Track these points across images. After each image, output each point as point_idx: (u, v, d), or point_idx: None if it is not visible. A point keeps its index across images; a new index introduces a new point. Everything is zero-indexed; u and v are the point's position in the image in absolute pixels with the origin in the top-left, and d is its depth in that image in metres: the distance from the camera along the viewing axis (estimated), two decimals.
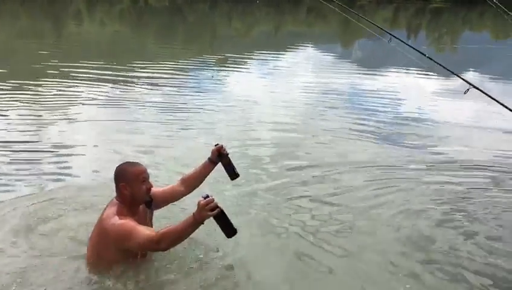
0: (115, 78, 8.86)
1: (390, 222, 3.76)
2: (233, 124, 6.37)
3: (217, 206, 2.44)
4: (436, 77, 11.34)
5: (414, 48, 4.21)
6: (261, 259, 3.18)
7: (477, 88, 3.68)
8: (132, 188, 2.75)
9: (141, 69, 10.13)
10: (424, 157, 5.42)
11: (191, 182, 3.12)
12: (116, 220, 2.65)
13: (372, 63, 14.66)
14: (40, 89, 7.85)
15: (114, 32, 18.91)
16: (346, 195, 4.23)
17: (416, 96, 9.50)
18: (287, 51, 15.88)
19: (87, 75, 8.97)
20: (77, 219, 3.50)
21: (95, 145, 5.21)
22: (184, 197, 3.14)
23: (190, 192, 3.13)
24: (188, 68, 10.89)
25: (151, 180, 2.84)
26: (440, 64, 3.92)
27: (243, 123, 6.43)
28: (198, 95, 8.07)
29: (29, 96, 7.32)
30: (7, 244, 3.14)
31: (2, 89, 7.59)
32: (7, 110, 6.45)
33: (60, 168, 4.53)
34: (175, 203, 3.20)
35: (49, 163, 4.64)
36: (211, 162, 3.09)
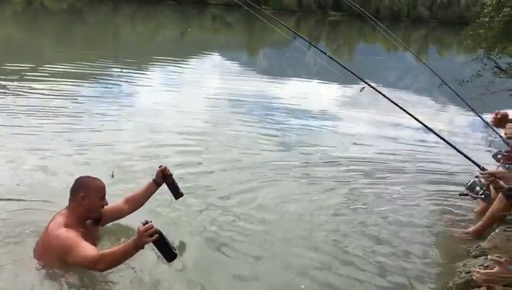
0: (6, 83, 8.13)
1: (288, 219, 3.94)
2: (137, 131, 6.10)
3: (156, 232, 2.49)
4: (336, 84, 12.01)
5: (316, 47, 4.50)
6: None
7: (372, 86, 4.01)
8: (90, 200, 2.84)
9: (35, 75, 9.39)
10: (314, 157, 5.78)
11: (135, 202, 3.24)
12: (62, 232, 2.68)
13: (276, 72, 15.15)
14: None
15: (5, 35, 17.55)
16: (253, 196, 4.35)
17: (316, 102, 9.96)
18: (193, 58, 15.84)
19: None
20: None
21: None
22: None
23: (133, 211, 3.23)
24: (87, 74, 10.32)
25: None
26: (339, 63, 4.19)
27: (147, 131, 6.16)
28: (100, 102, 7.63)
29: None
30: None
31: None
32: None
33: None
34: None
35: None
36: (155, 183, 3.25)
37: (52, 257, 2.69)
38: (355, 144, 6.65)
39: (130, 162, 4.85)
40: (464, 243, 3.66)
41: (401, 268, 3.27)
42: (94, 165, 4.61)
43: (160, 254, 2.60)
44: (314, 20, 50.68)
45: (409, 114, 4.10)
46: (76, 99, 7.64)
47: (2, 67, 9.79)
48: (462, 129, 8.05)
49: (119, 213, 3.20)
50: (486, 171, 3.37)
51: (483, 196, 3.57)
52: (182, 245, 3.32)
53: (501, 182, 3.25)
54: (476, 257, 3.32)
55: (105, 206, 3.00)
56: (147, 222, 2.50)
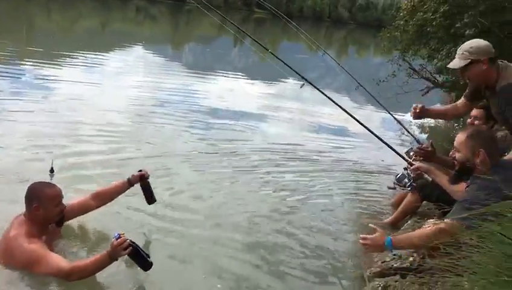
0: None
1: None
2: (53, 126, 5.74)
3: (130, 244, 2.55)
4: (261, 80, 12.20)
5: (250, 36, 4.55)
6: None
7: (310, 83, 4.13)
8: (46, 210, 2.75)
9: None
10: (236, 149, 5.93)
11: (104, 198, 3.24)
12: (26, 244, 2.62)
13: (202, 66, 15.05)
14: None
15: None
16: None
17: (241, 96, 10.06)
18: (115, 50, 15.31)
19: None
20: None
21: None
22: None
23: (100, 207, 3.22)
24: None
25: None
26: (283, 62, 4.26)
27: (64, 126, 5.85)
28: (12, 96, 7.10)
29: None
30: None
31: None
32: None
33: None
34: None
35: None
36: (129, 183, 3.26)
37: (15, 266, 2.64)
38: (278, 136, 6.88)
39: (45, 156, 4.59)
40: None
41: (320, 261, 3.38)
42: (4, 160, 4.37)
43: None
44: (241, 16, 50.93)
45: (347, 112, 4.22)
46: None
47: None
48: (378, 126, 8.50)
49: (84, 209, 3.17)
50: (414, 166, 3.53)
51: (409, 188, 3.78)
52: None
53: (425, 175, 3.46)
54: None
55: (68, 203, 2.97)
56: (119, 236, 2.54)
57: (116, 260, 2.59)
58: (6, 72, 8.77)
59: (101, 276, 2.71)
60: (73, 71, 10.35)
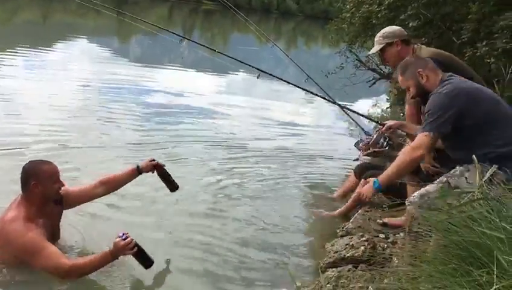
0: None
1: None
2: None
3: (136, 244, 2.58)
4: (210, 73, 12.10)
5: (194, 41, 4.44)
6: None
7: (266, 72, 4.12)
8: (44, 187, 2.67)
9: None
10: (185, 139, 5.93)
11: (112, 185, 3.13)
12: (24, 230, 2.53)
13: (150, 60, 14.71)
14: None
15: None
16: None
17: (190, 89, 9.89)
18: (58, 43, 14.66)
19: None
20: None
21: None
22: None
23: (107, 194, 3.15)
24: None
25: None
26: (234, 58, 4.21)
27: (4, 121, 5.61)
28: None
29: None
30: None
31: None
32: None
33: None
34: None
35: None
36: (138, 172, 3.14)
37: (7, 250, 2.57)
38: (228, 128, 6.90)
39: None
40: (331, 225, 3.93)
41: (272, 254, 3.37)
42: None
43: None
44: (188, 8, 50.20)
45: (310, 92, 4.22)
46: None
47: None
48: (327, 117, 8.64)
49: (90, 195, 3.10)
50: (386, 125, 3.53)
51: (387, 148, 3.81)
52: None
53: (399, 131, 3.51)
54: (342, 236, 3.59)
55: (74, 188, 2.97)
56: (125, 236, 2.55)
57: (117, 258, 2.60)
58: None
59: (101, 275, 2.71)
60: (12, 65, 9.81)
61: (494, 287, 1.34)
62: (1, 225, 2.60)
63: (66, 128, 5.66)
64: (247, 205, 4.18)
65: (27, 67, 9.71)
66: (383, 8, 5.86)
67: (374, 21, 6.41)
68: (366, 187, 2.72)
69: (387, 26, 6.11)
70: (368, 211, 3.76)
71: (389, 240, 3.24)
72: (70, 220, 3.22)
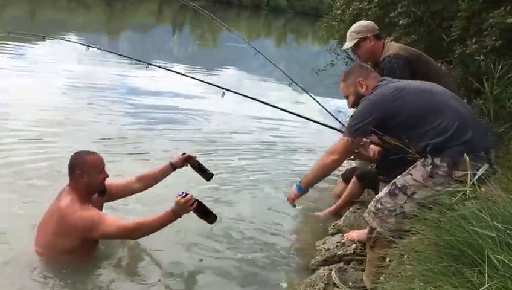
0: None
1: None
2: None
3: (196, 200, 2.69)
4: (200, 70, 12.04)
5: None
6: None
7: (230, 90, 4.11)
8: (89, 177, 2.79)
9: None
10: (174, 136, 5.99)
11: (148, 181, 3.24)
12: (81, 210, 2.68)
13: (139, 56, 14.57)
14: None
15: None
16: None
17: (179, 86, 9.84)
18: (46, 40, 14.46)
19: None
20: None
21: None
22: None
23: (143, 190, 3.26)
24: None
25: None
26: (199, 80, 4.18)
27: None
28: None
29: None
30: None
31: None
32: None
33: None
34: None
35: None
36: (172, 167, 3.26)
37: (70, 234, 2.69)
38: (219, 124, 6.97)
39: None
40: (323, 222, 3.94)
41: (263, 253, 3.38)
42: None
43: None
44: (179, 4, 49.90)
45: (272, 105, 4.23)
46: None
47: None
48: (315, 115, 8.61)
49: (128, 190, 3.22)
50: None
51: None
52: None
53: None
54: (333, 234, 3.61)
55: (113, 181, 3.06)
56: (185, 194, 2.68)
57: (180, 217, 2.71)
58: None
59: (101, 276, 2.78)
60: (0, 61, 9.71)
61: (486, 286, 1.34)
62: (60, 214, 2.71)
63: (49, 124, 5.65)
64: (235, 203, 4.17)
65: (14, 65, 9.56)
66: (373, 5, 5.86)
67: (364, 18, 6.40)
68: (291, 191, 2.77)
69: (378, 23, 6.18)
70: (358, 209, 3.77)
71: None
72: None
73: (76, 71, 9.87)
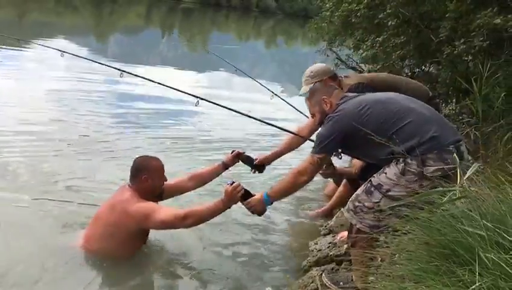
0: None
1: None
2: None
3: (243, 187, 2.74)
4: (189, 72, 12.01)
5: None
6: None
7: (205, 99, 4.06)
8: (153, 180, 2.97)
9: None
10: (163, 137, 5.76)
11: (200, 180, 3.34)
12: (140, 202, 2.86)
13: (129, 58, 14.53)
14: None
15: None
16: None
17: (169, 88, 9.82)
18: (34, 43, 14.34)
19: None
20: None
21: None
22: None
23: (195, 189, 3.37)
24: None
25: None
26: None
27: None
28: None
29: None
30: None
31: None
32: None
33: None
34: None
35: None
36: (224, 166, 3.36)
37: (127, 225, 2.83)
38: (209, 125, 6.99)
39: None
40: (314, 223, 3.96)
41: (258, 253, 3.38)
42: None
43: None
44: (167, 6, 49.79)
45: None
46: None
47: None
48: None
49: (181, 189, 3.31)
50: None
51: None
52: None
53: None
54: (325, 235, 3.62)
55: (168, 181, 3.14)
56: (232, 181, 2.74)
57: (229, 208, 2.80)
58: None
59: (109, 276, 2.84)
60: None
61: (477, 285, 1.35)
62: (122, 205, 2.87)
63: (42, 132, 5.57)
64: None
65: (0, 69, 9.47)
66: (362, 6, 5.89)
67: (353, 20, 6.44)
68: (258, 203, 2.75)
69: (367, 24, 6.22)
70: None
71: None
72: None
73: (71, 71, 9.81)
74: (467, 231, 1.52)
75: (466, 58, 4.70)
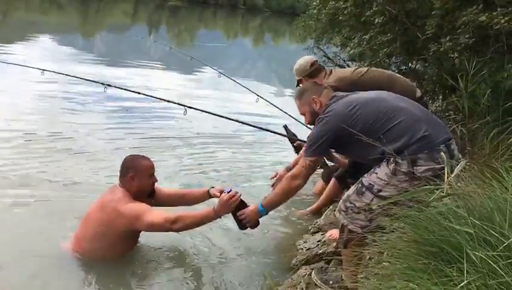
0: None
1: None
2: None
3: (239, 198, 2.71)
4: (176, 71, 11.96)
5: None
6: None
7: (192, 107, 4.08)
8: (140, 180, 2.92)
9: None
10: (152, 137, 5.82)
11: (189, 200, 3.26)
12: (131, 202, 2.84)
13: (116, 57, 14.42)
14: None
15: None
16: None
17: (157, 86, 9.74)
18: (18, 42, 14.18)
19: None
20: None
21: None
22: None
23: (181, 205, 3.24)
24: None
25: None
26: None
27: None
28: None
29: None
30: None
31: None
32: None
33: None
34: None
35: None
36: (209, 195, 3.15)
37: (117, 225, 2.80)
38: (196, 124, 6.77)
39: None
40: (303, 221, 3.95)
41: (246, 253, 3.36)
42: None
43: None
44: (154, 4, 49.47)
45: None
46: None
47: None
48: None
49: (176, 202, 3.23)
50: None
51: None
52: None
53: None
54: (314, 233, 3.62)
55: (164, 189, 3.18)
56: (229, 189, 2.72)
57: (220, 217, 2.77)
58: None
59: (102, 277, 2.82)
60: None
61: (465, 282, 1.35)
62: (113, 205, 2.83)
63: (29, 135, 5.55)
64: (213, 202, 4.13)
65: None
66: (349, 4, 5.90)
67: (340, 17, 6.44)
68: (252, 214, 2.73)
69: (354, 22, 6.23)
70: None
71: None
72: None
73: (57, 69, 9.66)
74: (455, 228, 1.52)
75: (452, 56, 4.72)
